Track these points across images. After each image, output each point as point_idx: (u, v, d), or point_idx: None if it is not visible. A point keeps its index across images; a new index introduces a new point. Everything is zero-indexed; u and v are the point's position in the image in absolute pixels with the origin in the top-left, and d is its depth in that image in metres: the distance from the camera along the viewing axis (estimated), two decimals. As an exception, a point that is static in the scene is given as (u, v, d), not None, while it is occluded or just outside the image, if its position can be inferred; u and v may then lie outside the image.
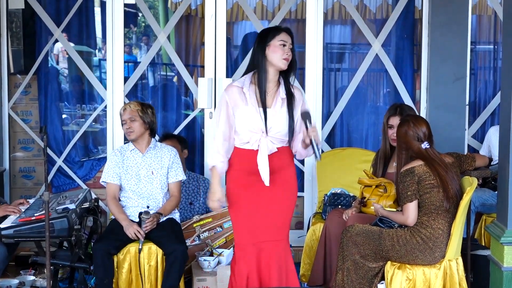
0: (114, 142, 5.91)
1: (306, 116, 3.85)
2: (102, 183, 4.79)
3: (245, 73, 3.97)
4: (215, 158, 3.92)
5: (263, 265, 3.96)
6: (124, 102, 5.91)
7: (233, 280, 4.05)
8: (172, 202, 4.76)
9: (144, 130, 4.76)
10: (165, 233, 4.54)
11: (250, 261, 3.95)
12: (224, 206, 3.99)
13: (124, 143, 5.62)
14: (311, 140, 3.79)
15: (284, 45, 3.87)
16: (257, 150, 3.87)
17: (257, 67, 3.90)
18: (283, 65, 3.88)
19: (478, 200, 5.34)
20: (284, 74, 3.96)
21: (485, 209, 5.39)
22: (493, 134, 5.46)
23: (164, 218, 4.70)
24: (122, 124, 4.80)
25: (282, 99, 3.92)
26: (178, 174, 4.81)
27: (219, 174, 3.95)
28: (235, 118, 3.89)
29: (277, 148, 3.91)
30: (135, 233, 4.48)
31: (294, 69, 3.98)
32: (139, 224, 4.53)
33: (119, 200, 4.75)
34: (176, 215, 4.84)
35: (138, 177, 4.72)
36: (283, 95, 3.92)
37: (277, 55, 3.86)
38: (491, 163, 5.31)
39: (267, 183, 3.85)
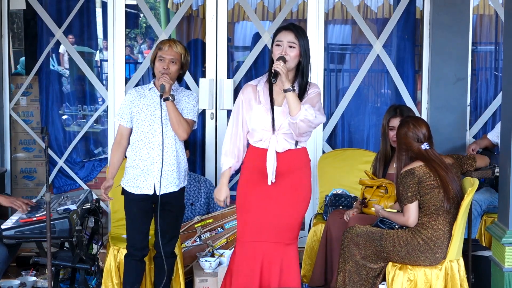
0: (116, 143, 5.90)
1: (274, 75, 3.78)
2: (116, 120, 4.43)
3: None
4: (224, 161, 4.01)
5: (264, 267, 3.96)
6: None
7: (227, 277, 4.07)
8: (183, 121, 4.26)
9: (175, 78, 4.29)
10: (165, 224, 4.29)
11: (249, 259, 3.95)
12: (226, 206, 4.01)
13: None
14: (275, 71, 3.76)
15: (278, 45, 3.87)
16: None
17: (269, 66, 3.93)
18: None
19: (485, 202, 5.31)
20: (299, 71, 3.92)
21: (491, 211, 5.33)
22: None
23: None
24: (153, 58, 4.25)
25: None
26: (190, 114, 4.30)
27: (231, 172, 4.03)
28: (250, 117, 3.92)
29: (293, 148, 3.92)
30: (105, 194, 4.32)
31: (303, 64, 3.90)
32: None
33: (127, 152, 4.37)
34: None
35: (154, 117, 4.26)
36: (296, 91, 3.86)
37: (275, 56, 3.87)
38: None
39: (269, 180, 3.88)
